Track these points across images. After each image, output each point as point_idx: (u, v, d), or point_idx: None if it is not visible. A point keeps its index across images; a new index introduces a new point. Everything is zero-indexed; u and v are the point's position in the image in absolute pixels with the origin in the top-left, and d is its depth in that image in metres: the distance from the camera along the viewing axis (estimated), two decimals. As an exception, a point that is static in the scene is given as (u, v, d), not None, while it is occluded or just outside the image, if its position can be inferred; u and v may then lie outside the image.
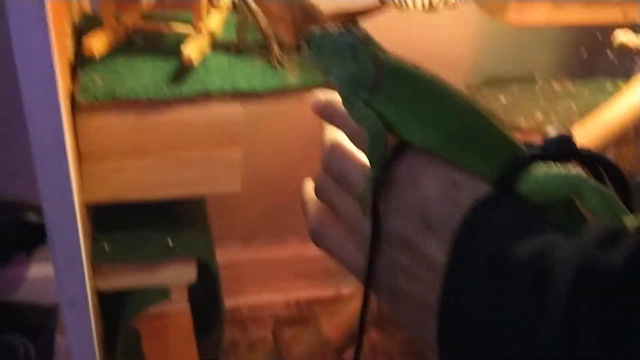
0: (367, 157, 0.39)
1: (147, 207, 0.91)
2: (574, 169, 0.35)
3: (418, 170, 0.38)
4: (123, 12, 0.96)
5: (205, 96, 0.84)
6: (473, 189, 0.36)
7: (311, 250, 0.45)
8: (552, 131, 0.37)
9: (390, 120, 0.39)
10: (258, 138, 1.24)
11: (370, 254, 0.39)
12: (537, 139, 0.37)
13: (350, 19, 1.08)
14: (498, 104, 1.13)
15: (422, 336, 0.37)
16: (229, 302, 1.32)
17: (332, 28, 0.41)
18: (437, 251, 0.35)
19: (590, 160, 0.36)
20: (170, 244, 0.90)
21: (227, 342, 1.24)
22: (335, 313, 1.06)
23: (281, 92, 0.88)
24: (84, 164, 0.81)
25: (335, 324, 1.04)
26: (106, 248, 0.88)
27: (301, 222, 0.45)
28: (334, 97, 0.42)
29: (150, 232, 0.91)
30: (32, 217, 1.13)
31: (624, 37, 0.96)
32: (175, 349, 1.05)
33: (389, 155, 0.39)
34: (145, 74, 0.84)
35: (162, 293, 0.92)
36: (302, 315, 1.26)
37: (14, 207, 1.17)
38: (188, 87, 0.83)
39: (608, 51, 1.26)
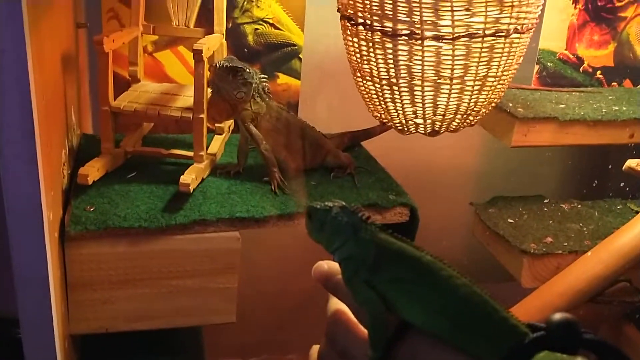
0: (369, 337, 0.39)
1: (139, 336, 0.87)
2: None
3: (419, 353, 0.38)
4: (124, 137, 0.96)
5: (202, 224, 0.81)
6: None
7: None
8: (556, 316, 0.35)
9: (391, 301, 0.39)
10: (255, 255, 1.21)
11: None
12: (540, 319, 0.36)
13: (353, 142, 1.07)
14: (506, 225, 1.10)
15: None
16: None
17: (335, 205, 0.42)
18: None
19: (597, 347, 0.35)
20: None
21: None
22: None
23: (282, 218, 0.86)
24: (71, 293, 0.78)
25: None
26: (92, 382, 0.83)
27: (301, 337, 0.45)
28: (337, 268, 0.42)
29: (139, 363, 0.87)
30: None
31: (633, 162, 0.95)
32: None
33: (390, 336, 0.38)
34: (140, 202, 0.83)
35: None
36: None
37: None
38: (183, 215, 0.81)
39: (616, 171, 1.24)
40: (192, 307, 0.83)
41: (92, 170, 0.84)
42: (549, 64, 1.30)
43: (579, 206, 1.19)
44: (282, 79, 1.17)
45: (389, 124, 0.96)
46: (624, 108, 1.16)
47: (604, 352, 0.35)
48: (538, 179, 1.37)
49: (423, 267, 0.39)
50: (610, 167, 1.33)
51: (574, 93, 1.24)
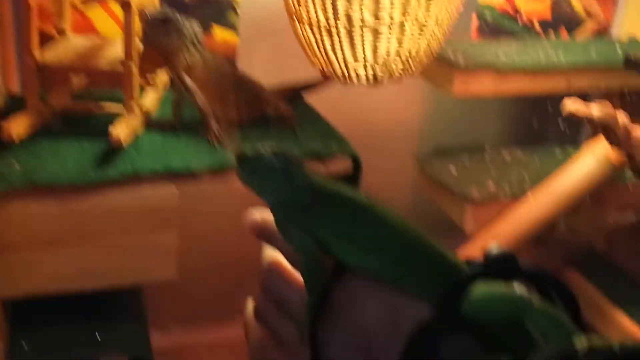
0: (304, 282, 0.38)
1: (74, 300, 0.84)
2: (518, 289, 0.34)
3: (357, 295, 0.37)
4: (51, 92, 0.91)
5: (136, 179, 0.78)
6: (415, 314, 0.35)
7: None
8: (493, 248, 0.36)
9: (326, 243, 0.38)
10: (197, 217, 1.18)
11: None
12: (479, 256, 0.36)
13: (294, 94, 1.05)
14: (449, 174, 1.10)
15: None
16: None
17: (266, 150, 0.40)
18: None
19: (535, 277, 0.36)
20: (100, 340, 0.82)
21: None
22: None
23: (220, 171, 0.83)
24: (-2, 256, 0.74)
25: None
26: (25, 348, 0.79)
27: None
28: (270, 216, 0.41)
29: (76, 327, 0.83)
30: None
31: (572, 106, 0.95)
32: None
33: (327, 280, 0.37)
34: (70, 158, 0.79)
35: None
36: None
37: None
38: (116, 169, 0.77)
39: (558, 119, 1.26)
40: (129, 266, 0.80)
41: (16, 126, 0.79)
42: (488, 16, 1.30)
43: (520, 153, 1.20)
44: (219, 32, 1.14)
45: (330, 74, 0.94)
46: (562, 58, 1.17)
47: (542, 283, 0.35)
48: (480, 129, 1.38)
49: (359, 208, 0.38)
50: (550, 114, 1.35)
51: (513, 44, 1.25)
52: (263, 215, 0.42)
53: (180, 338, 1.32)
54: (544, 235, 1.02)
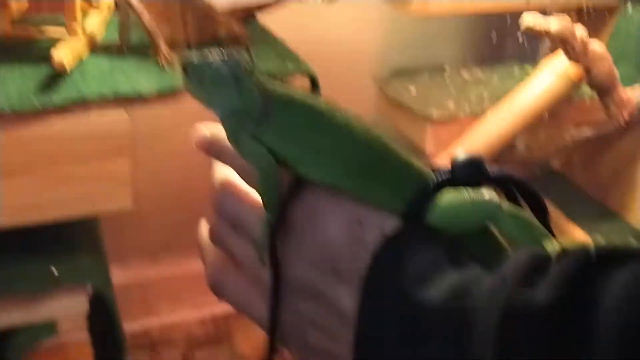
0: (261, 198, 0.35)
1: (27, 233, 0.81)
2: (487, 194, 0.32)
3: (318, 210, 0.34)
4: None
5: (83, 104, 0.74)
6: (380, 226, 0.33)
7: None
8: (460, 154, 0.34)
9: (283, 155, 0.35)
10: (151, 144, 1.15)
11: (271, 306, 0.35)
12: (445, 163, 0.35)
13: (247, 14, 1.00)
14: (408, 95, 1.08)
15: None
16: (139, 324, 1.23)
17: (213, 55, 0.36)
18: (346, 300, 0.32)
19: (503, 182, 0.34)
20: (56, 272, 0.80)
21: (137, 369, 1.14)
22: (252, 329, 0.99)
23: (172, 94, 0.80)
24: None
25: (252, 341, 0.96)
26: (-22, 283, 0.77)
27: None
28: (220, 131, 0.37)
29: (31, 260, 0.81)
30: None
31: (531, 20, 0.94)
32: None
33: (284, 195, 0.35)
34: (10, 84, 0.74)
35: (47, 328, 0.82)
36: (217, 333, 1.18)
37: None
38: (61, 95, 0.73)
39: (517, 34, 1.24)
40: (82, 196, 0.77)
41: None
42: None
43: (479, 72, 1.19)
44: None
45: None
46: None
47: (510, 188, 0.34)
48: (439, 49, 1.36)
49: (315, 114, 0.35)
50: (509, 32, 1.33)
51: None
52: (212, 129, 0.39)
53: (142, 272, 1.31)
54: (503, 153, 1.02)
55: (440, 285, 0.29)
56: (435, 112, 1.02)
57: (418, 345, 0.28)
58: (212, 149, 0.39)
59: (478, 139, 0.99)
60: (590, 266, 0.27)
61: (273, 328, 0.35)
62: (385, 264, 0.31)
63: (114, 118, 0.76)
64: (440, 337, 0.28)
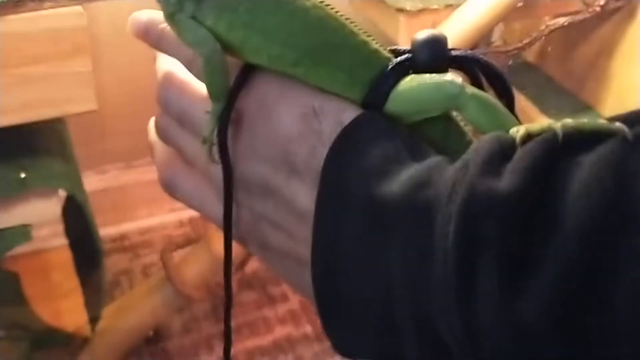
0: (207, 87, 0.32)
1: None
2: (449, 76, 0.30)
3: (270, 100, 0.32)
4: None
5: (36, 0, 0.70)
6: (337, 116, 0.30)
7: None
8: (422, 34, 0.31)
9: (228, 38, 0.31)
10: (121, 44, 1.10)
11: (225, 204, 0.33)
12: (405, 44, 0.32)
13: None
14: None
15: (298, 288, 0.33)
16: (117, 229, 1.24)
17: None
18: (303, 196, 0.30)
19: (467, 62, 0.32)
20: (24, 176, 0.79)
21: (119, 271, 1.16)
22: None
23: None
24: None
25: (229, 240, 0.97)
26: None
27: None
28: (158, 15, 0.34)
29: (-2, 166, 0.79)
30: None
31: None
32: (58, 287, 0.97)
33: (233, 84, 0.32)
34: (-45, -22, 0.70)
35: (22, 234, 0.82)
36: (195, 233, 1.19)
37: None
38: (10, -11, 0.69)
39: None
40: (44, 98, 0.75)
41: None
42: None
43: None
44: None
45: None
46: None
47: (474, 68, 0.32)
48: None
49: None
50: None
51: None
52: (150, 14, 0.35)
53: (118, 177, 1.30)
54: (479, 45, 1.00)
55: (401, 177, 0.27)
56: (408, 3, 0.99)
57: (380, 239, 0.27)
58: (150, 36, 0.35)
59: (453, 30, 0.97)
60: (556, 149, 0.25)
61: (228, 230, 0.33)
62: (344, 157, 0.29)
63: (70, 13, 0.73)
64: (403, 230, 0.26)
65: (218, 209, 0.33)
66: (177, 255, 0.97)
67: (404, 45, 0.32)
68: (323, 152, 0.29)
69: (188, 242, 1.01)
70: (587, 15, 1.01)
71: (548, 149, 0.25)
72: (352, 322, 0.29)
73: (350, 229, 0.28)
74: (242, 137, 0.32)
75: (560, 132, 0.26)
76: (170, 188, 0.36)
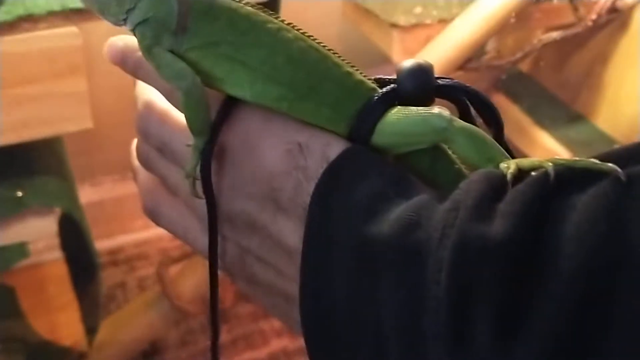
0: (187, 122, 0.31)
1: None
2: (437, 109, 0.29)
3: (253, 135, 0.31)
4: None
5: (30, 21, 0.71)
6: (322, 151, 0.29)
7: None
8: (407, 63, 0.31)
9: (208, 71, 0.31)
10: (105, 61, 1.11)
11: (210, 239, 0.32)
12: (390, 73, 0.32)
13: None
14: (374, 0, 1.05)
15: (287, 324, 0.33)
16: (113, 241, 1.24)
17: None
18: (290, 233, 0.30)
19: (453, 92, 0.31)
20: (21, 195, 0.79)
21: (114, 285, 1.16)
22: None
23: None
24: None
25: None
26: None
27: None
28: (135, 41, 0.32)
29: (-7, 185, 0.80)
30: None
31: None
32: (54, 300, 0.97)
33: (215, 118, 0.31)
34: (-50, 0, 0.70)
35: (19, 251, 0.82)
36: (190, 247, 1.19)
37: None
38: (4, 11, 0.70)
39: None
40: (39, 117, 0.75)
41: None
42: None
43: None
44: None
45: None
46: None
47: (461, 97, 0.31)
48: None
49: (242, 21, 0.30)
50: None
51: None
52: (126, 41, 0.33)
53: (112, 190, 1.30)
54: (473, 58, 1.01)
55: (390, 217, 0.26)
56: (402, 18, 1.00)
57: (369, 281, 0.26)
58: (127, 65, 0.34)
59: (446, 44, 0.98)
60: (548, 190, 0.25)
61: (213, 265, 0.32)
62: (330, 194, 0.28)
63: (64, 34, 0.73)
64: (393, 273, 0.26)
65: (202, 240, 0.33)
66: (173, 269, 0.97)
67: (397, 59, 0.32)
68: (309, 188, 0.29)
69: (184, 256, 1.01)
70: (580, 29, 1.02)
71: (540, 191, 0.25)
72: None
73: (339, 270, 0.27)
74: (226, 172, 0.31)
75: (551, 172, 0.25)
76: (153, 215, 0.36)
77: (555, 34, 1.03)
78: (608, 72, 1.17)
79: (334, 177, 0.28)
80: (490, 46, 1.12)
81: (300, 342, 0.97)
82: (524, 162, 0.27)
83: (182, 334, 1.10)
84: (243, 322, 1.12)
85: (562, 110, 1.24)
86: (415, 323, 0.25)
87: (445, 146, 0.31)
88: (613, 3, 1.02)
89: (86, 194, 1.14)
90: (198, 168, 0.31)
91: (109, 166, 1.29)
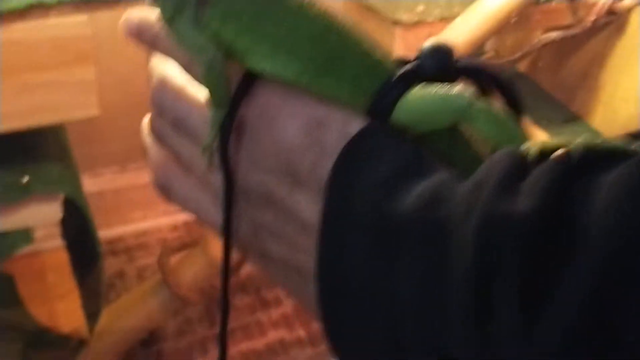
0: (208, 94, 0.31)
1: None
2: (457, 88, 0.29)
3: (273, 109, 0.30)
4: None
5: (41, 8, 0.72)
6: (342, 127, 0.29)
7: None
8: (428, 44, 0.31)
9: (230, 44, 0.30)
10: (121, 51, 1.12)
11: (225, 214, 0.32)
12: (412, 55, 0.31)
13: None
14: (377, -2, 1.06)
15: (302, 301, 0.32)
16: (112, 232, 1.25)
17: None
18: (307, 207, 0.29)
19: (474, 73, 0.31)
20: (26, 181, 0.80)
21: (113, 274, 1.17)
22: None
23: (134, -2, 0.77)
24: None
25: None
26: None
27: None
28: (152, 14, 0.33)
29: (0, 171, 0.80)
30: None
31: None
32: (54, 288, 0.97)
33: (234, 92, 0.31)
34: (-38, -14, 0.71)
35: (23, 237, 0.83)
36: (191, 237, 1.20)
37: None
38: (16, 0, 0.70)
39: None
40: (46, 104, 0.76)
41: None
42: None
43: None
44: None
45: None
46: None
47: (481, 78, 0.31)
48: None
49: None
50: None
51: None
52: (144, 14, 0.33)
53: (113, 181, 1.31)
54: (472, 58, 1.02)
55: (411, 194, 0.26)
56: (404, 16, 1.01)
57: (388, 257, 0.26)
58: (144, 37, 0.33)
59: (449, 43, 0.99)
60: (572, 170, 0.24)
61: (228, 240, 0.32)
62: (350, 170, 0.28)
63: (75, 23, 0.74)
64: (414, 250, 0.25)
65: (216, 216, 0.32)
66: (174, 258, 0.98)
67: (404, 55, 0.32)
68: (328, 163, 0.28)
69: (184, 246, 1.02)
70: (579, 30, 1.04)
71: (564, 170, 0.24)
72: (358, 340, 0.28)
73: (357, 245, 0.27)
74: (244, 146, 0.31)
75: (576, 152, 0.25)
76: (165, 191, 0.35)
77: (554, 35, 1.05)
78: (605, 74, 1.18)
79: (354, 153, 0.28)
80: (490, 46, 1.14)
81: (297, 333, 0.98)
82: (548, 143, 0.26)
83: (180, 324, 1.11)
84: (241, 314, 1.13)
85: (558, 111, 1.25)
86: (435, 297, 0.24)
87: (463, 130, 0.31)
88: (611, 5, 1.04)
89: (86, 185, 1.15)
90: (216, 142, 0.31)
91: (108, 157, 1.29)
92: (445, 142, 0.31)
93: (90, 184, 1.27)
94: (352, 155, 0.28)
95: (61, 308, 0.98)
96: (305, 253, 0.29)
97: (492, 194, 0.24)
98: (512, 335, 0.23)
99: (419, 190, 0.26)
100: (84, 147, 1.17)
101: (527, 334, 0.22)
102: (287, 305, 1.15)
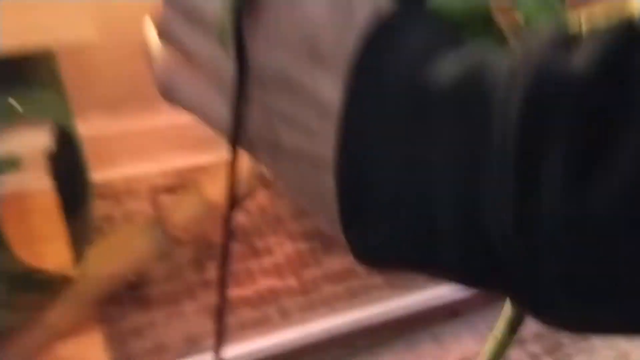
0: None
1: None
2: None
3: None
4: None
5: None
6: (371, 4, 0.27)
7: (187, 116, 0.35)
8: None
9: None
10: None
11: (236, 100, 0.29)
12: None
13: None
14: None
15: (313, 199, 0.30)
16: (99, 176, 1.22)
17: None
18: (327, 86, 0.27)
19: None
20: (16, 105, 0.77)
21: (100, 217, 1.14)
22: (219, 176, 0.99)
23: None
24: None
25: (220, 186, 0.97)
26: None
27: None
28: None
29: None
30: None
31: None
32: (40, 229, 0.95)
33: None
34: None
35: (11, 162, 0.80)
36: (182, 183, 1.18)
37: None
38: None
39: None
40: (42, 25, 0.73)
41: None
42: None
43: None
44: None
45: None
46: None
47: None
48: None
49: None
50: None
51: None
52: None
53: (102, 126, 1.28)
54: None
55: (445, 67, 0.24)
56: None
57: (422, 129, 0.24)
58: None
59: None
60: (630, 39, 0.22)
61: (237, 126, 0.30)
62: (379, 45, 0.26)
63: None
64: (451, 118, 0.23)
65: (223, 110, 0.30)
66: (168, 199, 0.96)
67: None
68: (354, 42, 0.26)
69: (176, 190, 1.00)
70: None
71: (621, 39, 0.22)
72: (382, 225, 0.26)
73: (384, 125, 0.25)
74: (261, 24, 0.29)
75: (634, 24, 0.23)
76: (168, 91, 0.33)
77: None
78: None
79: (384, 28, 0.26)
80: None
81: (288, 282, 0.97)
82: (600, 21, 0.24)
83: (168, 269, 1.09)
84: (231, 261, 1.11)
85: None
86: (473, 171, 0.23)
87: (498, 24, 0.29)
88: None
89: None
90: (229, 20, 0.28)
91: (98, 102, 1.26)
92: (479, 29, 0.28)
93: (80, 129, 1.24)
94: (382, 30, 0.26)
95: (48, 250, 0.96)
96: (322, 138, 0.27)
97: (539, 59, 0.22)
98: (556, 200, 0.21)
99: (453, 65, 0.24)
100: (72, 92, 1.14)
101: (573, 199, 0.21)
102: (279, 255, 1.13)
